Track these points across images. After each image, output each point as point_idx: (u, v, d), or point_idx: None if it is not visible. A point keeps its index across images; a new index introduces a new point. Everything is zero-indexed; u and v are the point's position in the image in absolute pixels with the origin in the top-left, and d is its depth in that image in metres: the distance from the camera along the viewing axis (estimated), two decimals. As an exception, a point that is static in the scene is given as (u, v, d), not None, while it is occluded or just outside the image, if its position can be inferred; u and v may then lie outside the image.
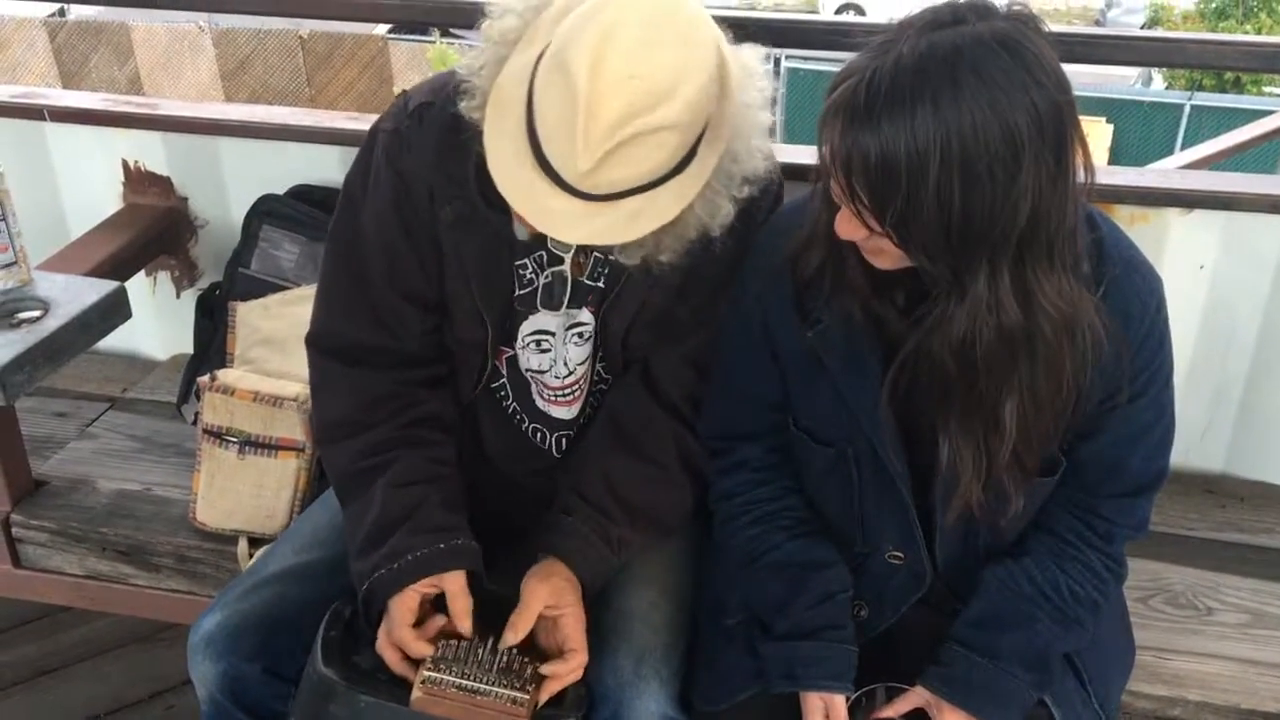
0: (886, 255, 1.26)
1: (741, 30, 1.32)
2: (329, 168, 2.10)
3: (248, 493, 1.89)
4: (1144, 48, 1.85)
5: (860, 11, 21.66)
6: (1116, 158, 13.98)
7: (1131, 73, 17.95)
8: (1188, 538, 1.95)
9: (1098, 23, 21.52)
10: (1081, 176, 1.20)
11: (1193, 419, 2.03)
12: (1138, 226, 1.85)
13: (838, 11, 21.74)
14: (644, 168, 1.21)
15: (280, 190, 2.12)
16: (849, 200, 1.21)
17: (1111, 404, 1.36)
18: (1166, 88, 16.42)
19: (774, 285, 1.42)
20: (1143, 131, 14.13)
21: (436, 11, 1.92)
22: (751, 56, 1.33)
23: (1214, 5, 15.95)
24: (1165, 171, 1.89)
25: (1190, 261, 1.88)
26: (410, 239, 1.44)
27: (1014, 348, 1.23)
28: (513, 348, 1.53)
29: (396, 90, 12.85)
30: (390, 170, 1.43)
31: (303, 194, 2.09)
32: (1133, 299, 1.34)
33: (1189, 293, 1.91)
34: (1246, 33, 15.36)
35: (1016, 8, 1.19)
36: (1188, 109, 13.59)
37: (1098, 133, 14.38)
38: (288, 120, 2.13)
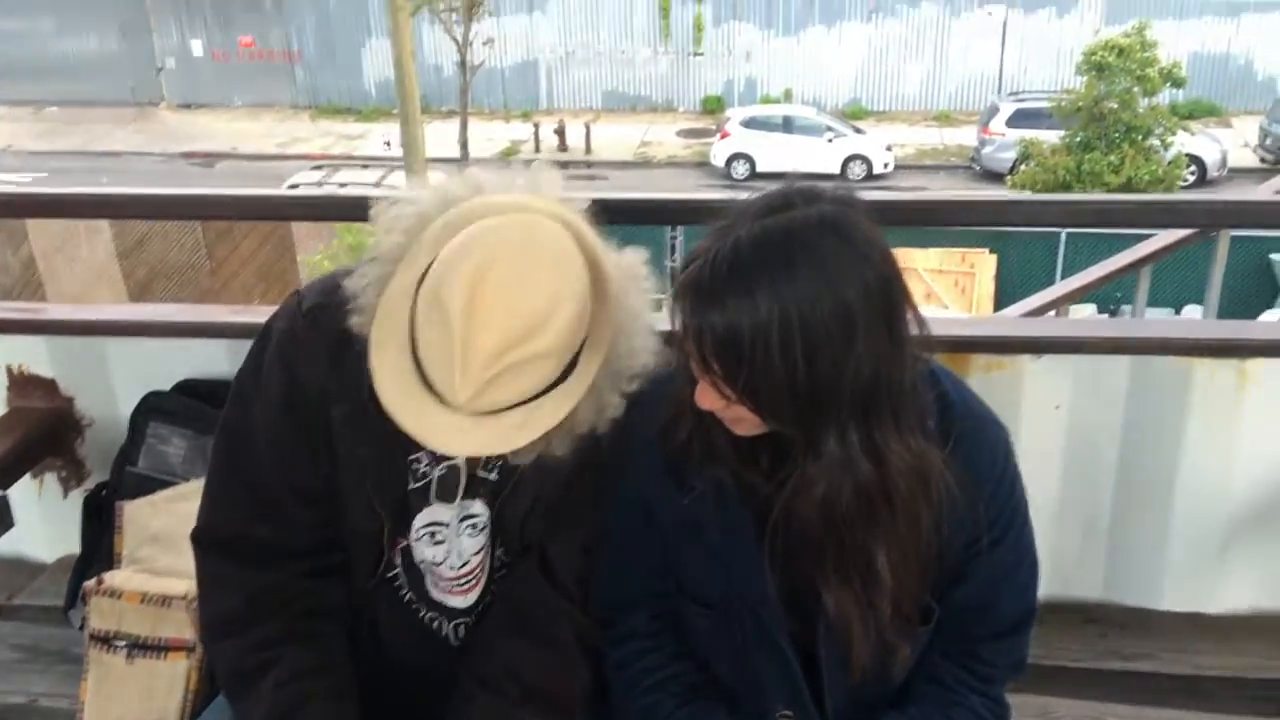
0: (746, 422, 1.34)
1: (616, 212, 1.39)
2: (216, 362, 2.12)
3: (138, 698, 1.85)
4: (979, 208, 1.99)
5: (750, 161, 22.64)
6: (1002, 285, 14.62)
7: (1009, 204, 18.93)
8: (1072, 669, 2.00)
9: (973, 160, 22.77)
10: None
11: (1068, 551, 2.12)
12: (994, 373, 1.96)
13: (728, 161, 22.68)
14: (525, 387, 1.27)
15: (167, 386, 2.13)
16: (704, 372, 1.30)
17: (974, 550, 1.43)
18: (1043, 217, 17.32)
19: (649, 456, 1.48)
20: (1024, 260, 14.82)
21: (333, 208, 1.99)
22: (634, 260, 1.40)
23: (1079, 139, 16.99)
24: (1017, 320, 2.03)
25: (1046, 402, 1.99)
26: (301, 435, 1.46)
27: (872, 503, 1.31)
28: (407, 539, 1.54)
29: (300, 260, 12.93)
30: (283, 368, 1.46)
31: (190, 389, 2.10)
32: (982, 451, 1.43)
33: (1049, 432, 2.02)
34: (1111, 163, 16.37)
35: (841, 192, 1.31)
36: (1064, 236, 14.32)
37: (984, 263, 15.05)
38: (174, 317, 2.16)
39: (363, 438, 1.45)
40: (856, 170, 22.60)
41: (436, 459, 1.49)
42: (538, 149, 24.19)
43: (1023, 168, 17.70)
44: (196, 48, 26.95)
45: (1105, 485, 2.05)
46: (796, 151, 22.39)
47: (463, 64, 14.44)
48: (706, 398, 1.33)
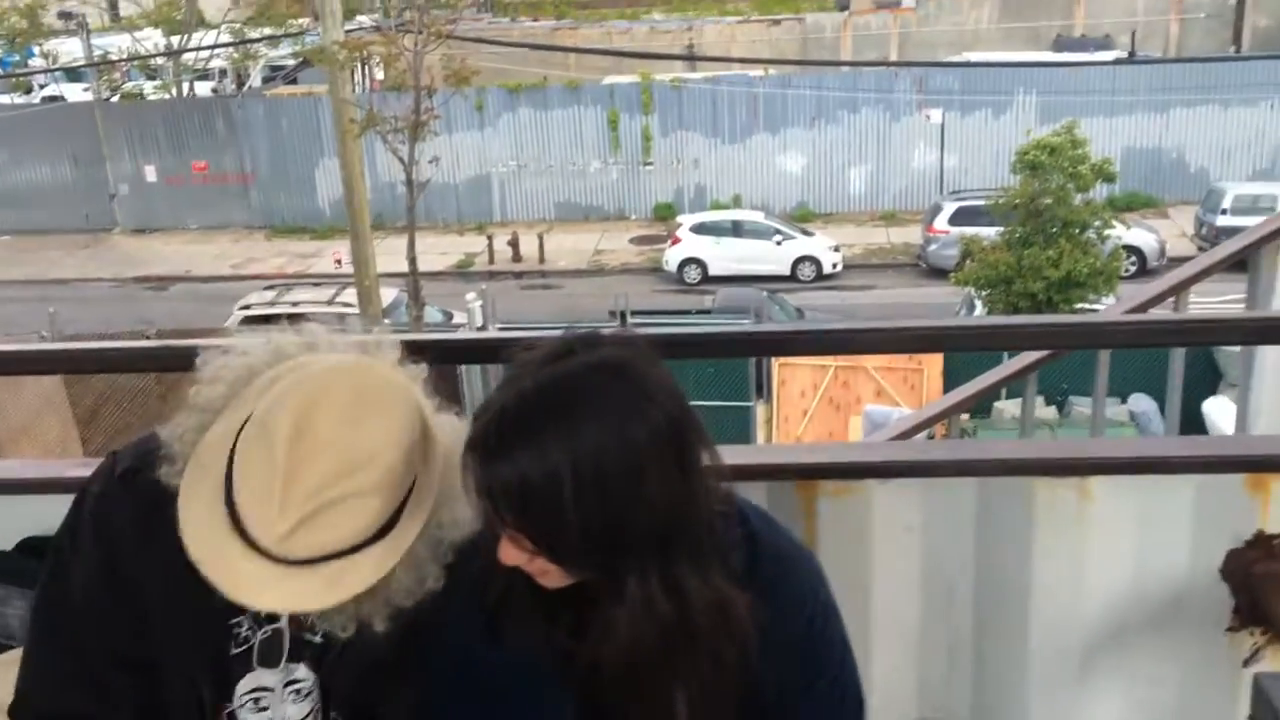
0: (551, 574, 1.34)
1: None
2: (61, 519, 2.08)
3: None
4: (828, 339, 2.03)
5: (702, 265, 22.98)
6: (950, 380, 14.78)
7: (956, 300, 19.28)
8: (939, 796, 1.98)
9: (920, 258, 23.22)
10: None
11: (935, 674, 2.11)
12: (843, 498, 1.98)
13: (680, 267, 23.01)
14: (343, 532, 1.25)
15: (10, 545, 2.09)
16: (502, 527, 1.30)
17: (792, 692, 1.42)
18: (987, 312, 17.61)
19: (465, 611, 1.46)
20: (969, 355, 15.01)
21: (160, 359, 1.99)
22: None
23: (1018, 235, 17.37)
24: (864, 445, 2.04)
25: (897, 525, 2.01)
26: (119, 601, 1.44)
27: (674, 644, 1.30)
28: (231, 705, 1.50)
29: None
30: (97, 533, 1.44)
31: (32, 548, 2.07)
32: (791, 588, 1.43)
33: (904, 555, 2.02)
34: (1049, 258, 16.72)
35: (623, 336, 1.33)
36: (1007, 331, 14.53)
37: (931, 360, 15.25)
38: (18, 473, 2.13)
39: (180, 602, 1.42)
40: (806, 271, 22.98)
41: (258, 622, 1.46)
42: (492, 260, 24.44)
43: (966, 264, 18.03)
44: (150, 173, 27.17)
45: (965, 607, 2.05)
46: (747, 255, 22.79)
47: (409, 182, 14.66)
48: (509, 553, 1.33)
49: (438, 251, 24.32)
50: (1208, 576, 1.96)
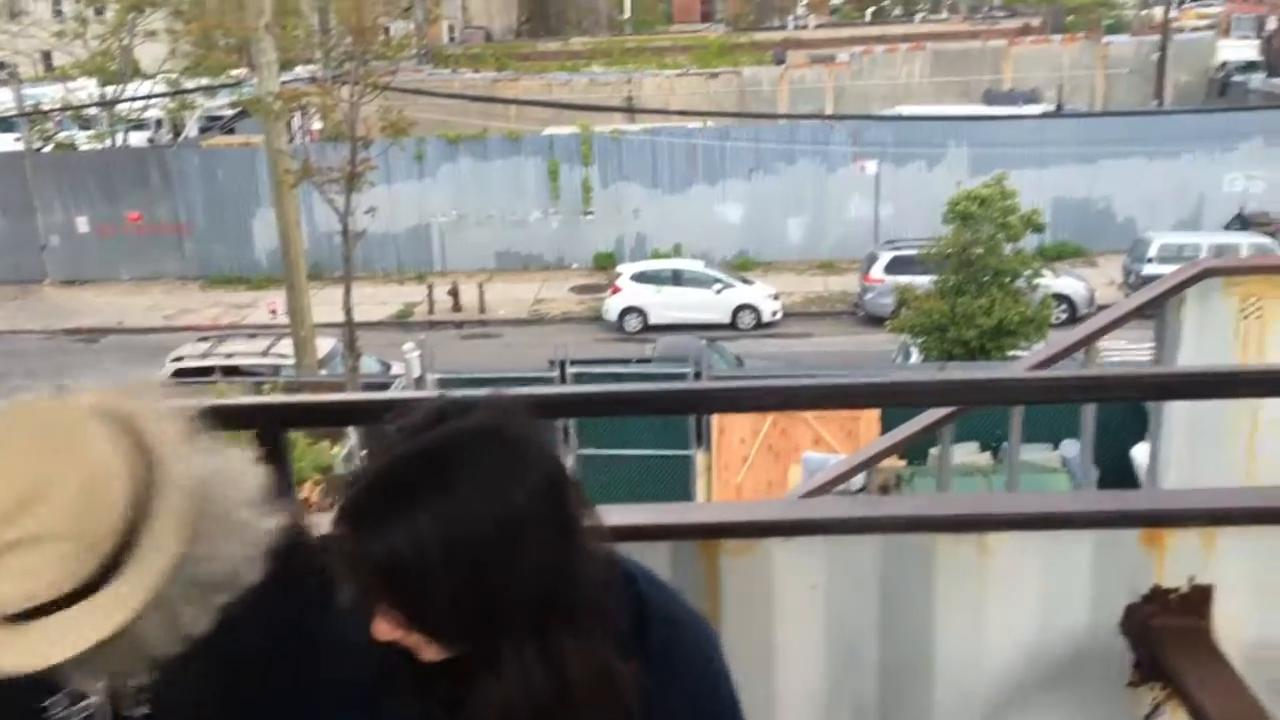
0: (428, 647, 1.29)
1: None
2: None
3: None
4: (722, 395, 2.02)
5: (643, 314, 23.07)
6: (888, 425, 14.88)
7: (892, 347, 19.53)
8: None
9: (857, 306, 23.51)
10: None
11: (840, 736, 2.08)
12: (744, 558, 1.96)
13: (621, 315, 23.07)
14: (35, 584, 1.17)
15: None
16: (375, 601, 1.26)
17: None
18: (923, 359, 17.86)
19: (340, 684, 1.42)
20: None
21: None
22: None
23: (951, 284, 17.66)
24: (765, 505, 2.02)
25: (801, 583, 1.99)
26: None
27: (552, 715, 1.26)
28: None
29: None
30: None
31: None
32: (681, 653, 1.40)
33: (807, 614, 2.00)
34: (981, 307, 17.01)
35: (498, 399, 1.30)
36: (942, 377, 14.74)
37: (867, 413, 15.38)
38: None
39: None
40: (746, 319, 23.16)
41: (73, 700, 1.39)
42: (432, 310, 24.32)
43: (902, 312, 18.28)
44: (82, 224, 26.75)
45: (869, 666, 2.03)
46: (687, 303, 22.93)
47: (344, 232, 14.57)
48: (382, 628, 1.28)
49: (377, 301, 24.14)
50: (1108, 631, 1.96)
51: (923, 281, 18.44)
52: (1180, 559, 1.92)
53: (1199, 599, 1.93)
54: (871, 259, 23.25)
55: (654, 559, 1.96)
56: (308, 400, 1.57)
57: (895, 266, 21.95)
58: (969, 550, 1.92)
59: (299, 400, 1.56)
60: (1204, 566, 1.93)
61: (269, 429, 1.78)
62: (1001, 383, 2.02)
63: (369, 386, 15.05)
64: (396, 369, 16.76)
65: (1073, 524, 1.91)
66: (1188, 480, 3.28)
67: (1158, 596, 1.92)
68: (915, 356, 18.02)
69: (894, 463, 13.44)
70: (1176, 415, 3.23)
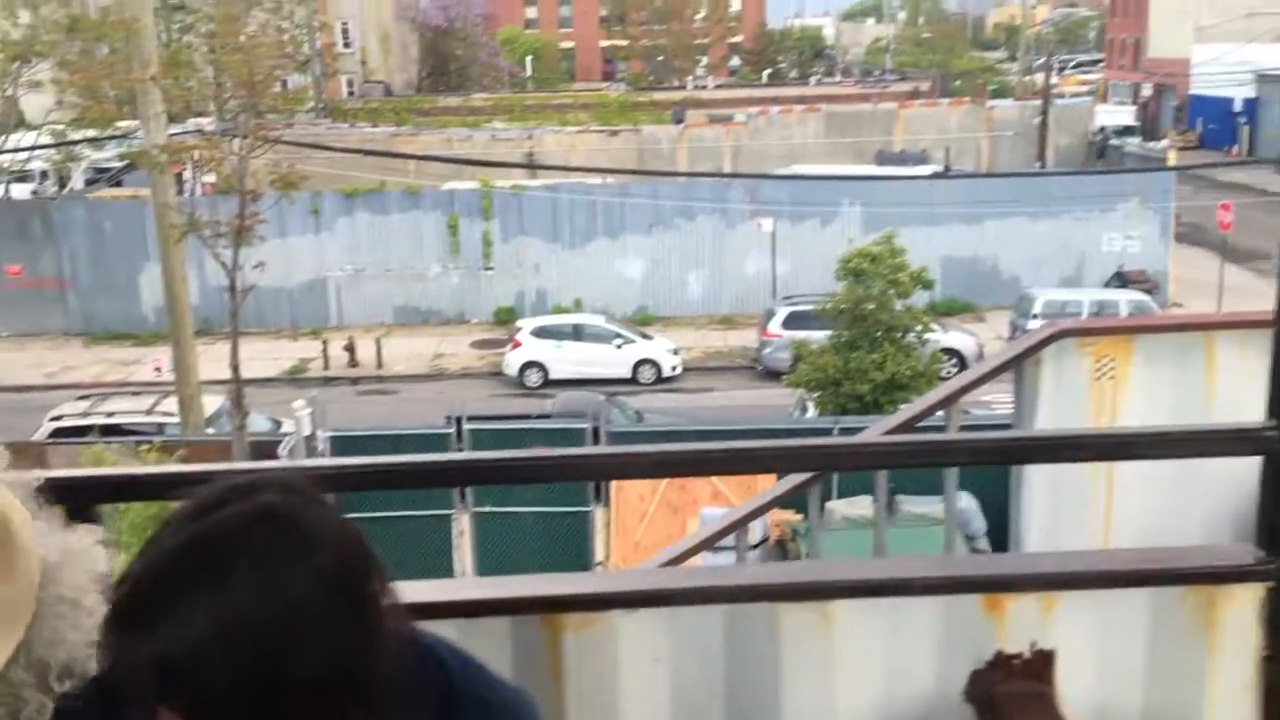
0: None
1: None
2: None
3: None
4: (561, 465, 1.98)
5: (544, 369, 22.98)
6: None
7: (790, 401, 19.75)
8: None
9: (756, 360, 23.78)
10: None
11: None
12: (586, 631, 1.90)
13: (521, 370, 22.95)
14: None
15: None
16: (154, 705, 1.17)
17: None
18: (819, 413, 18.07)
19: None
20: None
21: None
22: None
23: (845, 339, 17.98)
24: (609, 575, 1.98)
25: (645, 657, 1.94)
26: None
27: None
28: None
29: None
30: None
31: None
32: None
33: (652, 687, 1.95)
34: (874, 361, 17.34)
35: (284, 479, 1.23)
36: (835, 432, 14.91)
37: (765, 461, 15.49)
38: None
39: None
40: (647, 374, 23.23)
41: None
42: (327, 365, 23.88)
43: (799, 367, 18.53)
44: (-42, 278, 25.76)
45: (717, 741, 1.99)
46: (587, 358, 22.92)
47: (232, 287, 14.25)
48: (165, 730, 1.19)
49: (271, 357, 23.62)
50: (953, 699, 1.95)
51: (819, 336, 18.75)
52: (1022, 625, 1.93)
53: (1041, 664, 1.93)
54: (769, 314, 23.59)
55: (493, 636, 1.90)
56: (118, 474, 1.48)
57: (792, 322, 22.30)
58: (812, 619, 1.90)
59: (108, 474, 1.48)
60: (1045, 632, 1.93)
61: (76, 505, 1.67)
62: (841, 448, 2.02)
63: (258, 445, 14.63)
64: (288, 427, 16.35)
65: (915, 590, 1.90)
66: (1048, 542, 3.32)
67: (1001, 663, 1.92)
68: (812, 411, 18.24)
69: (790, 517, 13.55)
70: (1038, 475, 3.28)
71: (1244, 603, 1.87)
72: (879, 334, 17.63)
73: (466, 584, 1.74)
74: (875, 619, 1.92)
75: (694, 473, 1.79)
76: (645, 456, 2.01)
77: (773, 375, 22.06)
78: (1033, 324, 22.58)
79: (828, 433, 15.01)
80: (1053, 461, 2.75)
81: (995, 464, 2.80)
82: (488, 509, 13.44)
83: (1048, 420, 3.31)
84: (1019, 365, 3.31)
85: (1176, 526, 2.91)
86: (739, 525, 3.08)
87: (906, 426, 3.04)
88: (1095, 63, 68.56)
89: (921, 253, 20.28)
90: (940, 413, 3.32)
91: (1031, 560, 1.95)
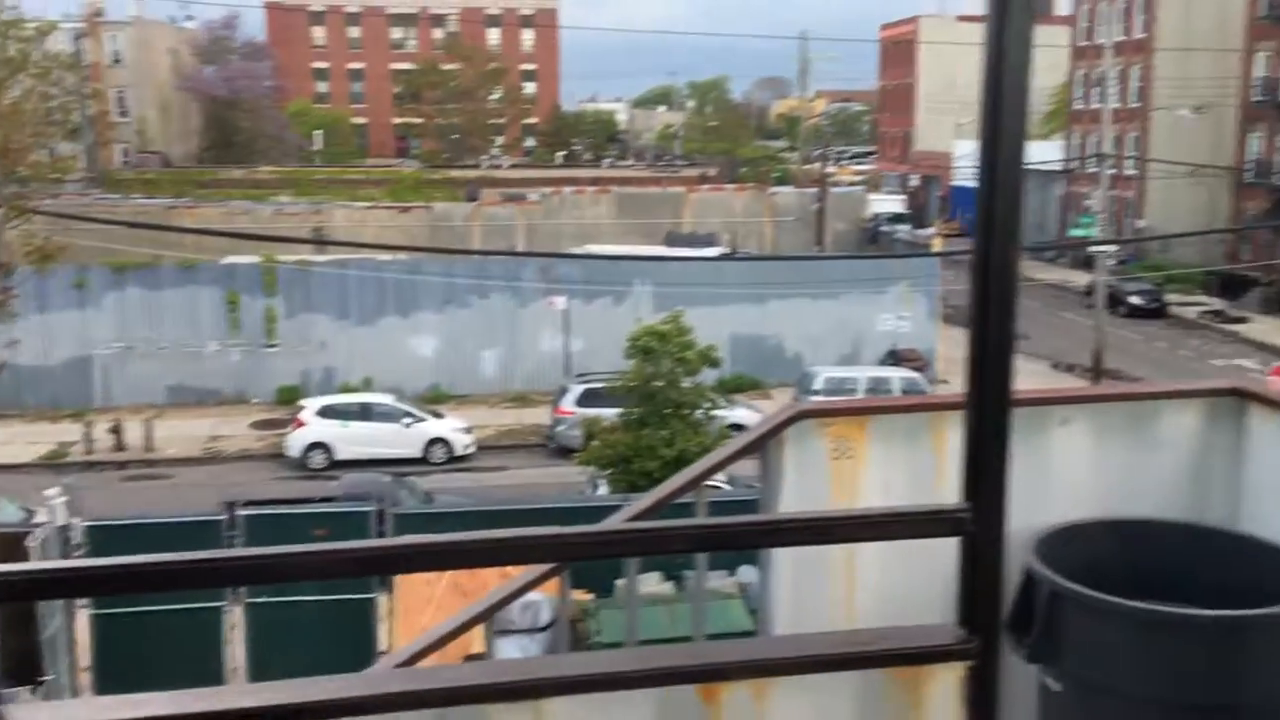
0: None
1: None
2: None
3: None
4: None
5: (328, 450, 22.19)
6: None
7: (583, 478, 19.74)
8: None
9: (550, 438, 23.71)
10: None
11: None
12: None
13: (305, 451, 22.07)
14: None
15: None
16: None
17: None
18: (610, 490, 18.12)
19: None
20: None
21: None
22: None
23: (635, 416, 18.16)
24: (316, 682, 1.87)
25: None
26: None
27: None
28: None
29: None
30: None
31: None
32: None
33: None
34: (663, 438, 17.57)
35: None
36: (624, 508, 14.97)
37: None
38: None
39: None
40: (438, 453, 22.79)
41: None
42: (90, 449, 22.30)
43: (591, 444, 18.57)
44: None
45: None
46: (376, 438, 22.31)
47: (-24, 367, 13.14)
48: None
49: (26, 440, 21.92)
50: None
51: (611, 414, 18.88)
52: (737, 712, 1.91)
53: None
54: (562, 392, 23.64)
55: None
56: None
57: (585, 399, 22.41)
58: (525, 718, 1.82)
59: None
60: (759, 717, 1.92)
61: None
62: (566, 539, 1.98)
63: (4, 538, 13.43)
64: (41, 516, 15.11)
65: (630, 683, 1.85)
66: (795, 621, 3.36)
67: (720, 753, 1.89)
68: (603, 488, 18.28)
69: (582, 596, 13.44)
70: (783, 553, 3.31)
71: (946, 682, 1.92)
72: (668, 411, 17.90)
73: (168, 698, 1.58)
74: (591, 715, 1.86)
75: (400, 569, 1.70)
76: (344, 553, 1.91)
77: (566, 453, 22.04)
78: (816, 399, 23.51)
79: (614, 509, 15.06)
80: (763, 545, 2.79)
81: (711, 550, 2.81)
82: (263, 599, 12.75)
83: (792, 499, 3.37)
84: (763, 446, 3.36)
85: (913, 604, 2.99)
86: (469, 626, 2.97)
87: (657, 508, 3.02)
88: (869, 154, 73.14)
89: (710, 331, 20.84)
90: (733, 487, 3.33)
91: (745, 646, 1.95)
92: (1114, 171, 36.78)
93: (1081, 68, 46.15)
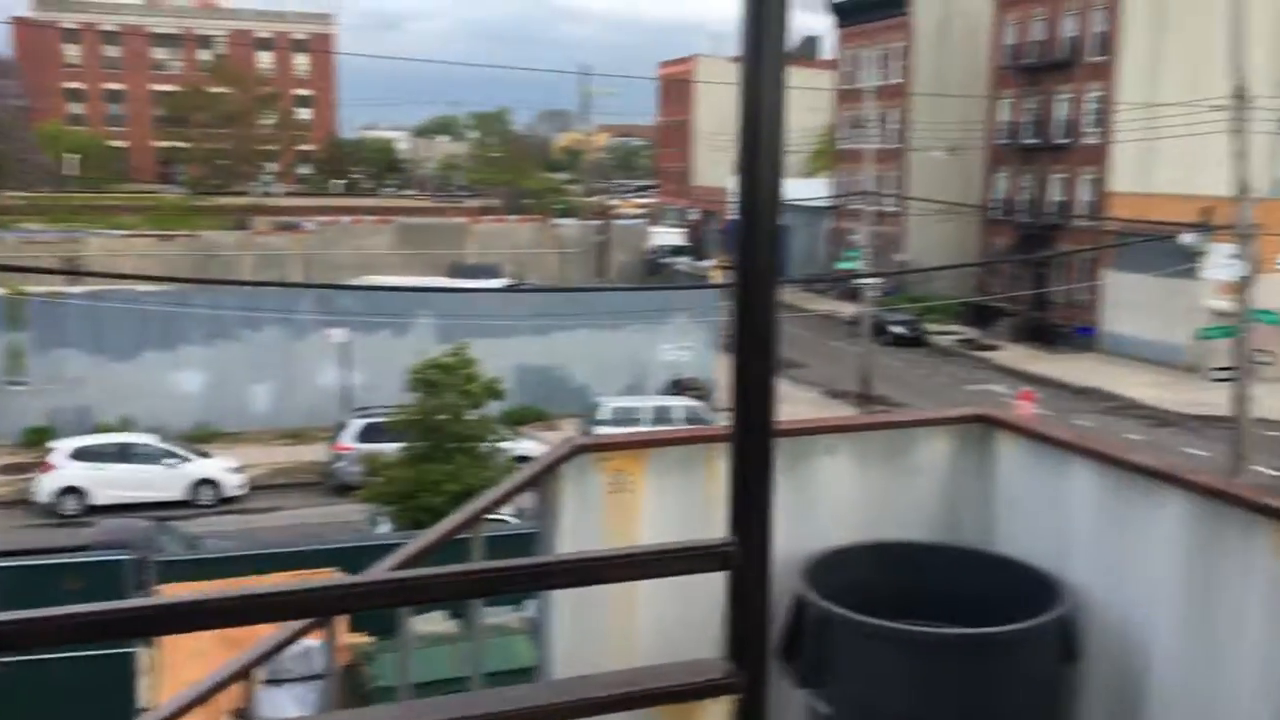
0: None
1: None
2: None
3: None
4: None
5: (82, 494, 20.71)
6: (356, 603, 14.40)
7: (364, 517, 19.14)
8: None
9: (329, 476, 22.87)
10: None
11: None
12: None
13: (56, 496, 20.49)
14: None
15: None
16: None
17: None
18: (395, 528, 17.65)
19: None
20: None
21: None
22: None
23: (418, 451, 17.78)
24: None
25: None
26: None
27: None
28: None
29: None
30: None
31: None
32: None
33: None
34: (448, 473, 17.26)
35: None
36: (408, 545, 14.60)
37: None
38: None
39: None
40: (206, 495, 21.63)
41: None
42: None
43: (373, 481, 18.07)
44: None
45: None
46: (136, 480, 20.98)
47: None
48: None
49: None
50: None
51: (393, 449, 18.43)
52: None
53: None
54: (341, 427, 22.91)
55: None
56: None
57: (366, 434, 21.79)
58: None
59: None
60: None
61: None
62: (320, 592, 1.86)
63: None
64: None
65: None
66: (574, 658, 3.33)
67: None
68: (386, 525, 17.79)
69: (360, 639, 12.97)
70: (560, 590, 3.26)
71: (717, 716, 1.91)
72: (452, 445, 17.63)
73: None
74: None
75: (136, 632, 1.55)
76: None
77: (346, 490, 21.35)
78: (602, 429, 23.68)
79: (394, 547, 14.66)
80: (533, 589, 2.75)
81: (481, 596, 2.74)
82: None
83: (569, 534, 3.34)
84: (540, 481, 3.33)
85: (691, 637, 3.00)
86: (235, 679, 2.79)
87: (435, 548, 2.92)
88: (650, 187, 74.83)
89: (495, 363, 20.69)
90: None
91: (520, 693, 1.89)
92: (877, 208, 39.04)
93: (846, 110, 48.83)
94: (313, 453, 24.14)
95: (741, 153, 1.72)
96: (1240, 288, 19.43)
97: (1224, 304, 21.95)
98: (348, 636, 11.19)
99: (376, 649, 13.51)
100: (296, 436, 25.23)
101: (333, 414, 24.61)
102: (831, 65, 51.48)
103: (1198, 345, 27.02)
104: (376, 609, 2.48)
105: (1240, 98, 18.42)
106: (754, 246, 1.74)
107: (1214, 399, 22.57)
